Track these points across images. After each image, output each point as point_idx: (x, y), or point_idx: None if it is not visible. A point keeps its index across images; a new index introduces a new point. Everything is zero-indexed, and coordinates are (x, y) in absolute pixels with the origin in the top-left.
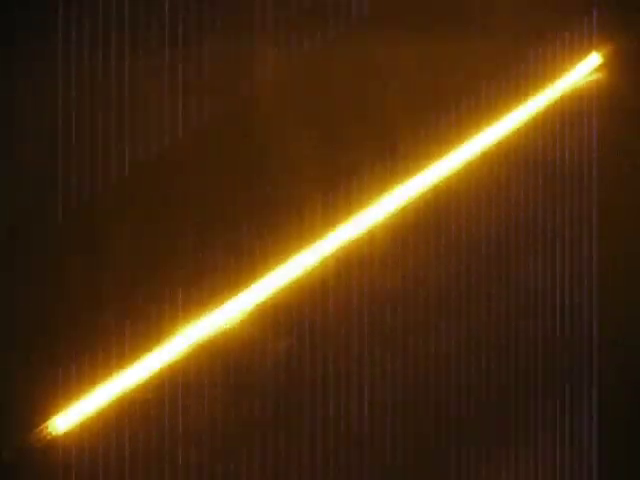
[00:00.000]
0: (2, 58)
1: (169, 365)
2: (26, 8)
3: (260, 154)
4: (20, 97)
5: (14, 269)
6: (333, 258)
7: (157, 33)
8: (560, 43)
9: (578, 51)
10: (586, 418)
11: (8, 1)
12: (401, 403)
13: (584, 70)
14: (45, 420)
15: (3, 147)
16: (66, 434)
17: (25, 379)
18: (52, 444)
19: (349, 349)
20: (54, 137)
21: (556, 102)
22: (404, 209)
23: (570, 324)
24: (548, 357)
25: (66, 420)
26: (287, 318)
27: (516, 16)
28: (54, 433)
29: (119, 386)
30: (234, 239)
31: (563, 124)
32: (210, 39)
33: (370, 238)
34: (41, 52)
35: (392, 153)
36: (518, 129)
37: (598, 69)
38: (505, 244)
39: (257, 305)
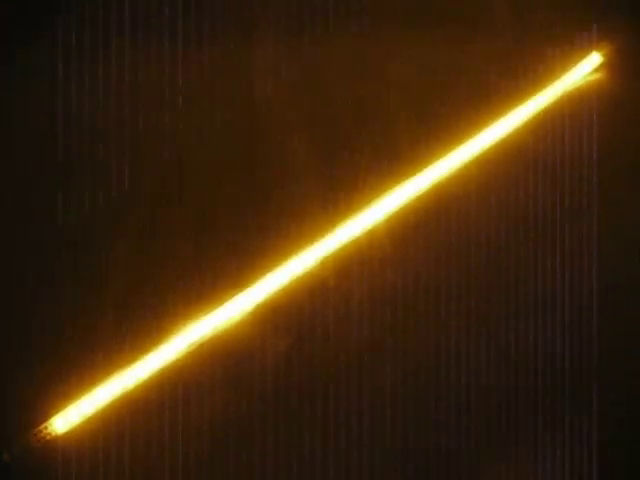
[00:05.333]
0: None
1: (169, 365)
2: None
3: (260, 154)
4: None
5: (13, 269)
6: (333, 258)
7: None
8: (560, 43)
9: (578, 51)
10: (586, 419)
11: None
12: (402, 402)
13: (584, 70)
14: (45, 420)
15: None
16: (66, 434)
17: (25, 379)
18: (52, 444)
19: (349, 349)
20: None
21: (556, 102)
22: (404, 209)
23: (570, 325)
24: (547, 357)
25: (66, 420)
26: (287, 318)
27: (515, 16)
28: (54, 433)
29: (119, 386)
30: (234, 239)
31: (563, 124)
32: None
33: (370, 238)
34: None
35: (392, 153)
36: (518, 129)
37: (598, 69)
38: (505, 244)
39: (257, 305)
